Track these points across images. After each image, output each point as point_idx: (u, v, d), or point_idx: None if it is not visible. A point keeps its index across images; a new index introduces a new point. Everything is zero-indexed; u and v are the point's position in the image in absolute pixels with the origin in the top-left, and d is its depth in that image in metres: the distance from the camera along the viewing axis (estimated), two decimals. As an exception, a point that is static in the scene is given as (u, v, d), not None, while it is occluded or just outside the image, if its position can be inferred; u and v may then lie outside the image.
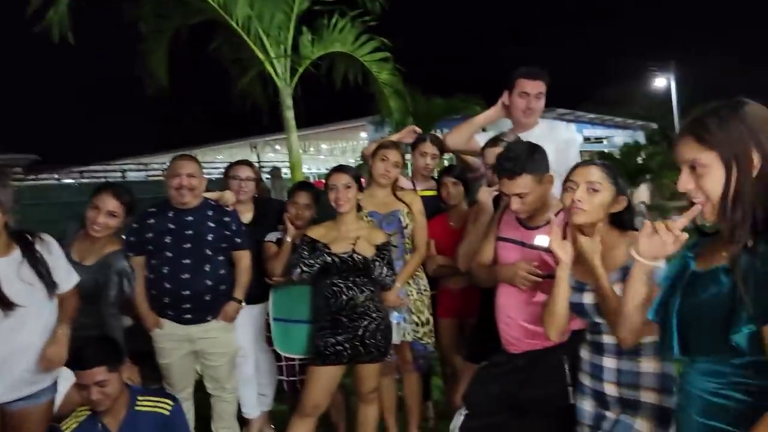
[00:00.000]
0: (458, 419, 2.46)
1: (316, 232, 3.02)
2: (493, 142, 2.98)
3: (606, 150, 23.36)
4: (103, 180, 12.38)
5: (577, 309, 2.07)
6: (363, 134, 20.75)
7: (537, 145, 2.41)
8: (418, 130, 3.68)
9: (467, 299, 3.22)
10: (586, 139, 25.29)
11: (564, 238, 2.04)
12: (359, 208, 3.11)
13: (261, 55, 6.10)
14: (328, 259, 2.90)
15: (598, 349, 2.06)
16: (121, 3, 5.96)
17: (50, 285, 2.54)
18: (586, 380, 2.12)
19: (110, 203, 2.91)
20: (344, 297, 2.91)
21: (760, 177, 1.30)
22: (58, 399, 2.68)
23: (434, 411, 3.82)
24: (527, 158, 2.31)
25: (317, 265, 2.91)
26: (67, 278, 2.66)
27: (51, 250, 2.59)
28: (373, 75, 6.61)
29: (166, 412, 2.59)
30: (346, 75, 6.70)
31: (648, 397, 1.96)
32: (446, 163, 4.72)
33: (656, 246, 1.49)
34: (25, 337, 2.47)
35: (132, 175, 16.09)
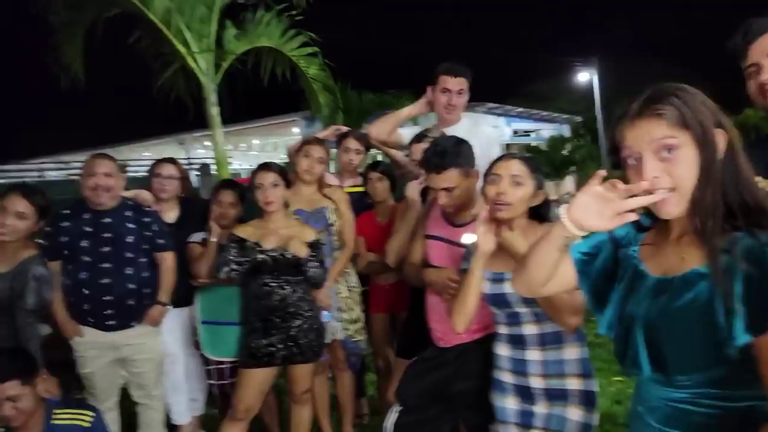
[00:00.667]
0: (392, 416, 2.47)
1: (244, 231, 2.96)
2: (418, 138, 3.01)
3: (534, 143, 24.11)
4: (19, 180, 11.69)
5: (497, 300, 2.08)
6: (295, 129, 20.49)
7: (463, 139, 2.45)
8: (343, 128, 3.69)
9: (398, 294, 3.25)
10: (515, 132, 25.96)
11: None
12: (286, 205, 3.07)
13: (182, 50, 5.89)
14: (259, 257, 2.85)
15: (519, 342, 2.09)
16: None
17: None
18: (506, 377, 2.12)
19: (19, 204, 2.75)
20: (276, 297, 2.87)
21: (725, 161, 1.18)
22: None
23: (368, 407, 3.83)
24: (454, 152, 2.34)
25: (248, 263, 2.85)
26: None
27: None
28: (302, 70, 6.53)
29: (87, 425, 2.48)
30: (274, 70, 6.59)
31: (573, 383, 2.02)
32: (379, 158, 4.74)
33: (593, 214, 1.18)
34: None
35: (51, 175, 15.27)
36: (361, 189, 3.54)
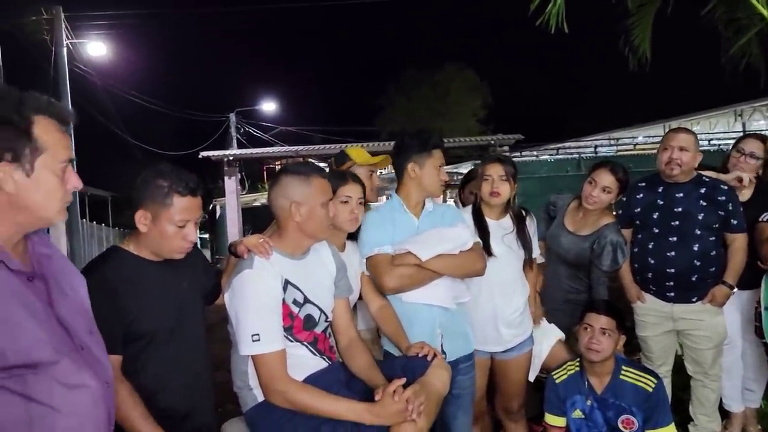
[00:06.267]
0: None
1: None
2: None
3: None
4: (575, 156, 13.02)
5: None
6: None
7: None
8: None
9: None
10: None
11: None
12: None
13: (764, 11, 5.28)
14: None
15: None
16: None
17: (527, 254, 2.89)
18: None
19: (606, 179, 3.09)
20: None
21: None
22: (544, 353, 3.03)
23: None
24: None
25: None
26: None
27: (532, 229, 2.96)
28: None
29: (649, 389, 2.63)
30: None
31: None
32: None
33: None
34: (502, 294, 2.82)
35: (602, 150, 16.30)
36: None
